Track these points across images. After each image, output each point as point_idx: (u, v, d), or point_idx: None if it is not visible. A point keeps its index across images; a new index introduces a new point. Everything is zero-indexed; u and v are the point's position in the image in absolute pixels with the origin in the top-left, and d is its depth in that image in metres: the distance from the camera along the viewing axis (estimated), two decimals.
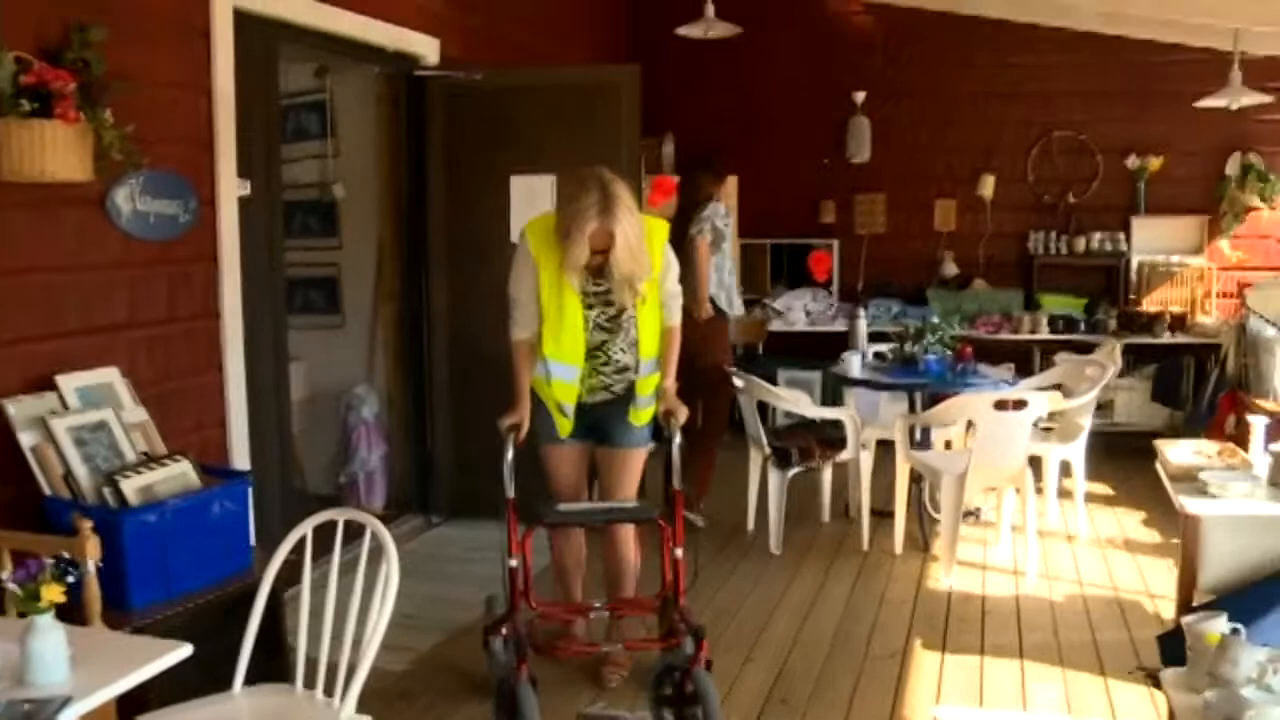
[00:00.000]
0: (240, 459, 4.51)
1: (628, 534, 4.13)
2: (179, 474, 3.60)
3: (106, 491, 3.40)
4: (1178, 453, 4.13)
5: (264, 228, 4.69)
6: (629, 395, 3.96)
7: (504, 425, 3.79)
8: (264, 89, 4.67)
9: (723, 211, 5.97)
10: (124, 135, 3.50)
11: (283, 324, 4.93)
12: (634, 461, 4.08)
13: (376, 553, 2.79)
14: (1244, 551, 3.11)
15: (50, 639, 2.15)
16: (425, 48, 5.76)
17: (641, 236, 3.70)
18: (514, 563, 3.66)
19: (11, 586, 2.17)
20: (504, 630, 3.70)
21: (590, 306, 3.84)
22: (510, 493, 3.69)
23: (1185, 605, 3.07)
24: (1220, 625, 2.58)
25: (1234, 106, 6.74)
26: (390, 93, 5.80)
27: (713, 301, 5.86)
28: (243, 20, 4.41)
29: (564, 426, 3.96)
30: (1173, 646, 2.92)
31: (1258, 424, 4.19)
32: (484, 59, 6.10)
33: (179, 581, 3.40)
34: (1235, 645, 2.46)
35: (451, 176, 5.81)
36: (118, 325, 3.91)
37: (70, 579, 2.20)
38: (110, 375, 3.75)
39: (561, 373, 3.86)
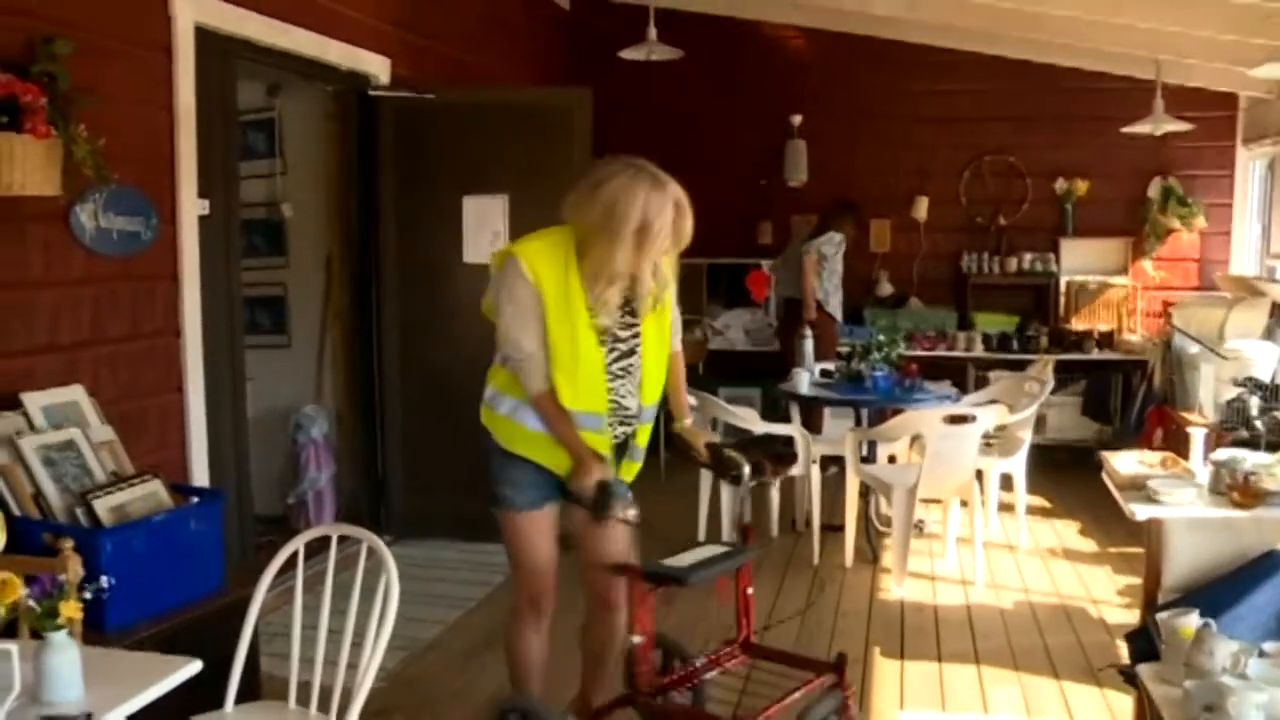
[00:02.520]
0: (200, 478, 4.47)
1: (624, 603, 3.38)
2: (150, 493, 3.56)
3: (79, 511, 3.36)
4: (1123, 463, 4.29)
5: (222, 247, 4.66)
6: (625, 447, 3.33)
7: (590, 484, 3.07)
8: (223, 107, 4.65)
9: (837, 240, 7.46)
10: (95, 150, 3.48)
11: (240, 343, 4.89)
12: None
13: (343, 566, 2.80)
14: (1202, 553, 3.25)
15: (66, 656, 2.13)
16: (377, 67, 5.77)
17: None
18: (638, 639, 3.17)
19: (30, 603, 2.15)
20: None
21: (602, 343, 3.16)
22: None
23: (1151, 603, 3.20)
24: (1193, 620, 2.71)
25: (1158, 133, 7.05)
26: (340, 111, 5.80)
27: (820, 306, 7.37)
28: (203, 37, 4.40)
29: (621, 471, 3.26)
30: (1141, 644, 3.05)
31: (1197, 435, 4.41)
32: (432, 79, 6.12)
33: (155, 601, 3.36)
34: (1210, 637, 2.58)
35: (402, 196, 5.81)
36: (82, 342, 3.88)
37: (88, 595, 2.18)
38: (76, 393, 3.70)
39: (588, 423, 3.14)
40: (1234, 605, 2.98)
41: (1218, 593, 3.03)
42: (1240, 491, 3.73)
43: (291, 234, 6.28)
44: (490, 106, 5.81)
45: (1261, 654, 2.62)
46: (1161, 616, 2.85)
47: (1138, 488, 3.90)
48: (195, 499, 3.71)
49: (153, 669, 2.28)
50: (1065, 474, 7.31)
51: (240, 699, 2.91)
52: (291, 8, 5.00)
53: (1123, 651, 3.85)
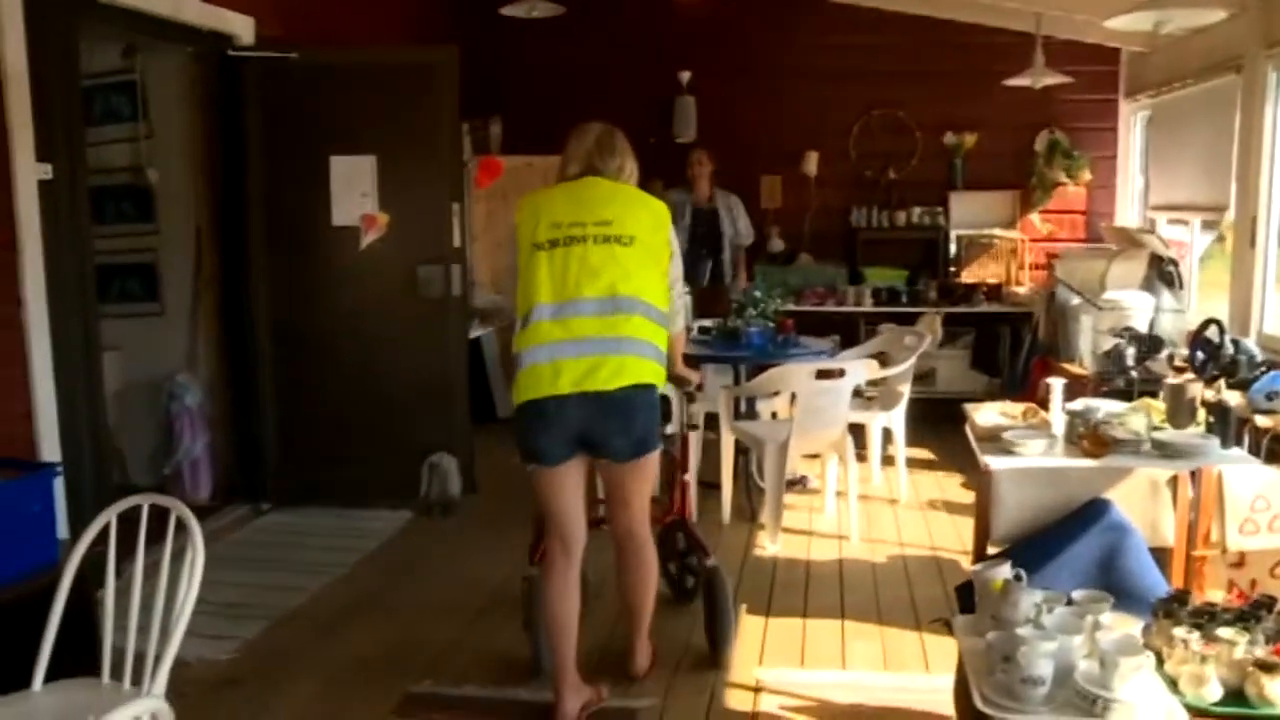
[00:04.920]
0: (50, 452, 4.35)
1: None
2: None
3: None
4: (985, 415, 4.34)
5: (68, 212, 4.50)
6: None
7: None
8: (63, 68, 4.48)
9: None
10: None
11: (93, 312, 4.75)
12: None
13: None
14: (1031, 504, 3.29)
15: None
16: (239, 26, 5.61)
17: None
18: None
19: None
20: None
21: None
22: None
23: (979, 556, 3.24)
24: (1004, 572, 2.73)
25: (1038, 86, 7.10)
26: (204, 73, 5.64)
27: None
28: None
29: None
30: (967, 596, 3.08)
31: (1056, 385, 4.45)
32: (302, 38, 5.97)
33: None
34: (1016, 589, 2.61)
35: (270, 158, 5.69)
36: None
37: None
38: None
39: None
40: (1057, 555, 3.02)
41: (1037, 545, 3.07)
42: (1090, 440, 3.80)
43: (160, 200, 6.11)
44: (356, 66, 5.70)
45: (1070, 602, 2.65)
46: (976, 569, 2.88)
47: (994, 439, 3.95)
48: (27, 472, 3.61)
49: None
50: (952, 426, 7.32)
51: (80, 671, 2.85)
52: None
53: None
